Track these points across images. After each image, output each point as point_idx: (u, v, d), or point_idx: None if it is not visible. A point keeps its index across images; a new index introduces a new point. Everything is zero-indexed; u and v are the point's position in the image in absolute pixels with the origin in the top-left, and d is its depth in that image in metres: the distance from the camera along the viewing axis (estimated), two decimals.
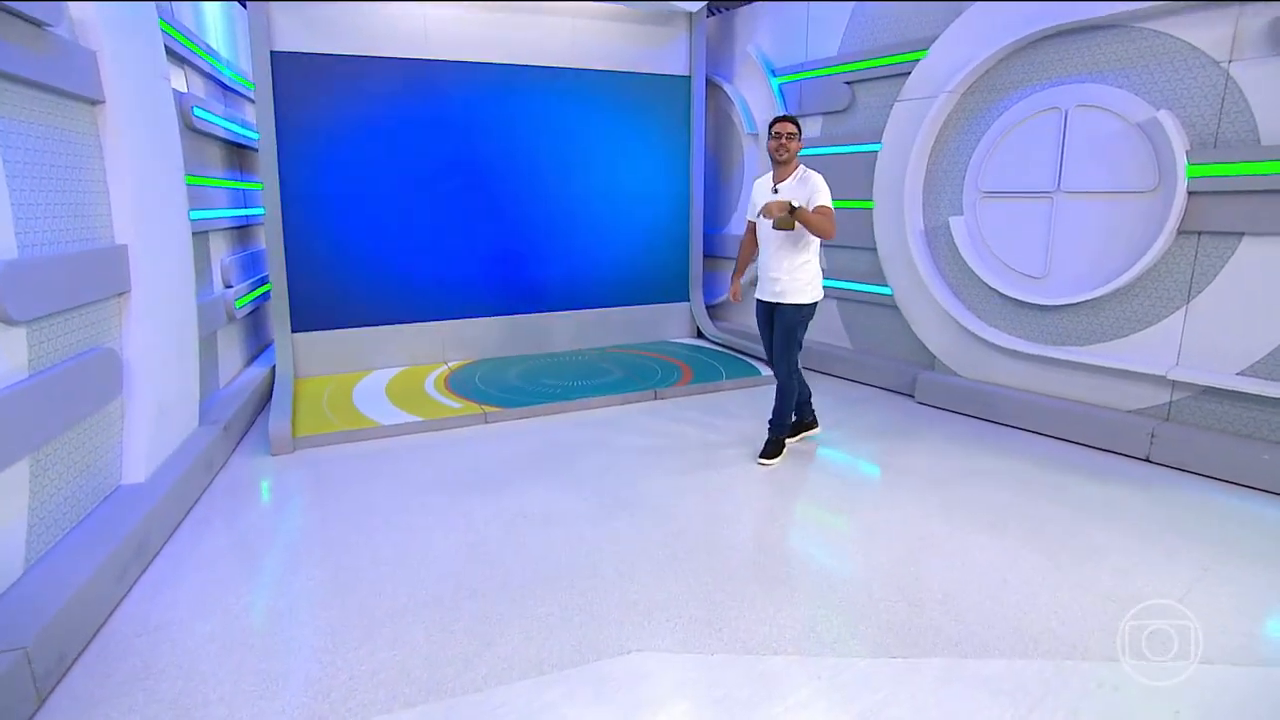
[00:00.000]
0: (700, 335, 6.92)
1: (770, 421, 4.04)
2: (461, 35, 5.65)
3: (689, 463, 3.98)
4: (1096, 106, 4.07)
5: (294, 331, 5.51)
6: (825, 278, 5.93)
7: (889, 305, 5.46)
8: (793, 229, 3.61)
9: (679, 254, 6.86)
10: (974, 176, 4.72)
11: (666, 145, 6.60)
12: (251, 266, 5.70)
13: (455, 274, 6.01)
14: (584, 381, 5.40)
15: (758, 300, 3.99)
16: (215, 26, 5.36)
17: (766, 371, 5.72)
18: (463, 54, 5.69)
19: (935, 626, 2.45)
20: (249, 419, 4.68)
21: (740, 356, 6.18)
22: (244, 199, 5.66)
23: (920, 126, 4.88)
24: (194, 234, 4.42)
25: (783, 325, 3.84)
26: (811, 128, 6.04)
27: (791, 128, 3.65)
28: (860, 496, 3.55)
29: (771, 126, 3.70)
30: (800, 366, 4.04)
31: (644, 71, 6.36)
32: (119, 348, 3.23)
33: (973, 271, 4.75)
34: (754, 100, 6.55)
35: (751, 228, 4.02)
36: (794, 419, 4.24)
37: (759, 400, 5.22)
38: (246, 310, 5.37)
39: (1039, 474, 3.81)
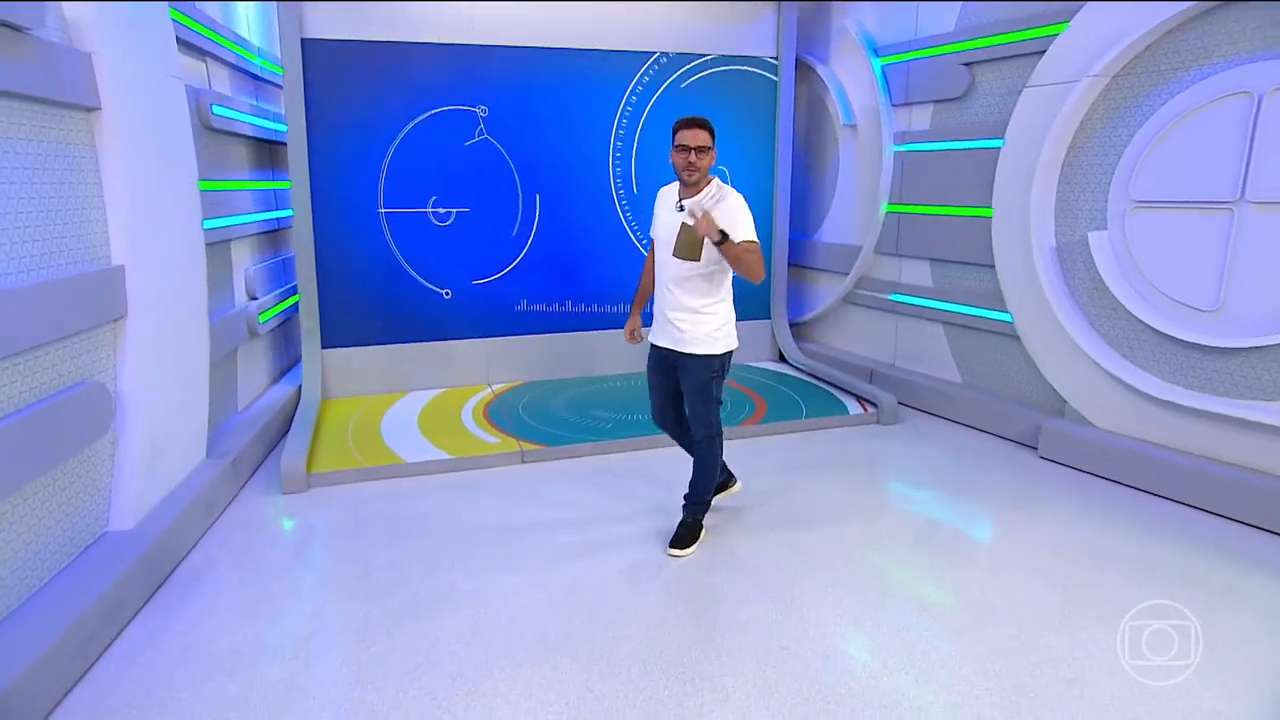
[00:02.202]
0: (783, 359, 6.58)
1: (685, 498, 3.55)
2: (512, 18, 5.55)
3: (755, 522, 3.70)
4: None
5: (324, 348, 5.55)
6: (929, 297, 5.57)
7: (1008, 335, 4.99)
8: (699, 259, 3.11)
9: None
10: (1124, 181, 4.23)
11: (748, 138, 6.30)
12: (282, 274, 5.79)
13: (502, 285, 5.92)
14: (640, 415, 5.18)
15: (651, 344, 3.45)
16: (247, 13, 5.45)
17: (856, 409, 5.35)
18: (513, 38, 5.58)
19: None
20: (267, 447, 4.71)
21: (827, 388, 5.82)
22: (275, 200, 5.75)
23: (1055, 118, 4.41)
24: (212, 244, 4.48)
25: (691, 384, 3.31)
26: (920, 118, 5.61)
27: (703, 137, 3.06)
28: (957, 585, 3.17)
29: (675, 133, 3.11)
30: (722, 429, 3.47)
31: (722, 54, 6.09)
32: (112, 380, 3.24)
33: (1117, 299, 4.25)
34: (852, 85, 6.16)
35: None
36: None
37: (846, 444, 4.88)
38: (274, 323, 5.44)
39: (1202, 566, 3.32)
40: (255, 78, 5.52)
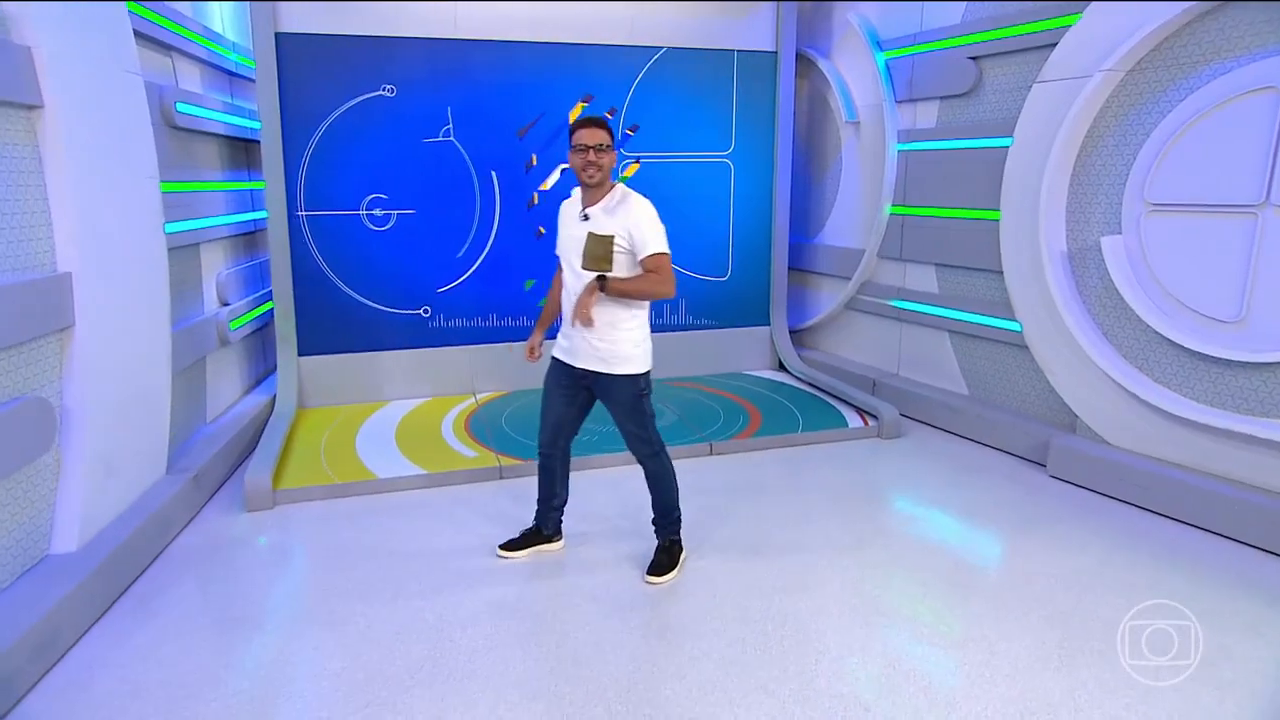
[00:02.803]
0: (782, 368, 6.43)
1: (654, 523, 3.37)
2: (498, 11, 5.43)
3: (737, 545, 3.56)
4: None
5: (302, 355, 5.45)
6: (934, 304, 5.41)
7: (1017, 345, 4.82)
8: (610, 271, 2.98)
9: (759, 268, 6.41)
10: (1139, 183, 4.06)
11: (745, 136, 6.16)
12: (259, 278, 5.69)
13: (489, 290, 5.80)
14: None
15: (554, 359, 3.27)
16: (221, 9, 5.36)
17: (856, 422, 5.19)
18: (500, 33, 5.46)
19: None
20: (235, 460, 4.60)
21: (826, 398, 5.66)
22: (253, 202, 5.66)
23: (1066, 115, 4.25)
24: (180, 247, 4.40)
25: (621, 405, 3.17)
26: (926, 115, 5.45)
27: (601, 136, 2.95)
28: (952, 617, 3.02)
29: (572, 134, 2.99)
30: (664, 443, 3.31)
31: (719, 48, 5.95)
32: (56, 394, 3.14)
33: (1131, 309, 4.09)
34: (855, 80, 6.01)
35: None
36: (532, 524, 3.56)
37: (844, 460, 4.73)
38: (248, 330, 5.34)
39: (1217, 599, 3.14)
40: (231, 74, 5.42)
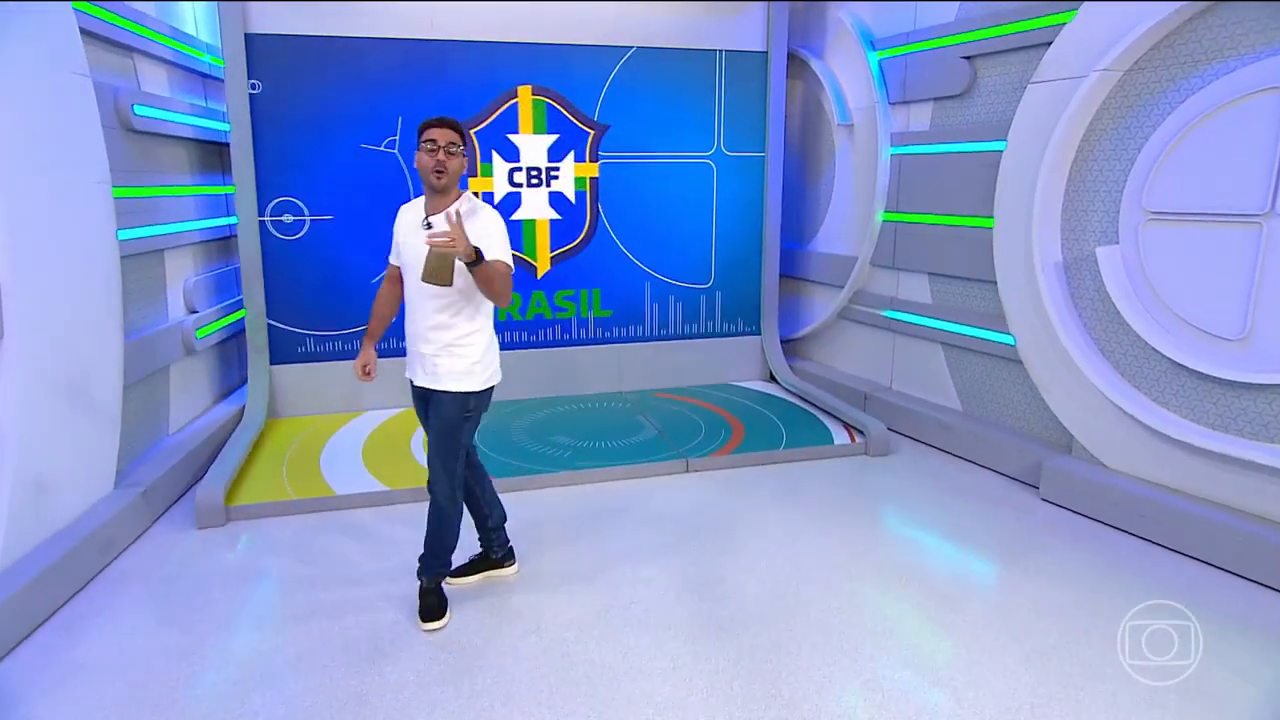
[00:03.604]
0: (773, 379, 6.22)
1: (421, 559, 3.08)
2: (478, 10, 5.27)
3: (700, 573, 3.37)
4: None
5: (275, 363, 5.32)
6: (927, 315, 5.18)
7: (1011, 359, 4.59)
8: (450, 284, 2.71)
9: (749, 276, 6.20)
10: (1137, 190, 3.83)
11: (735, 139, 5.96)
12: (235, 284, 5.57)
13: None
14: (604, 442, 4.87)
15: (411, 383, 3.08)
16: (194, 10, 5.25)
17: (843, 438, 4.97)
18: (480, 33, 5.31)
19: None
20: (193, 475, 4.43)
21: (815, 413, 5.45)
22: (227, 206, 5.55)
23: (1061, 118, 4.03)
24: (143, 254, 4.29)
25: (440, 421, 2.94)
26: (919, 117, 5.23)
27: (452, 136, 2.80)
28: (921, 657, 2.80)
29: (421, 133, 2.82)
30: (464, 482, 3.11)
31: (708, 48, 5.77)
32: None
33: (1128, 324, 3.85)
34: (848, 81, 5.79)
35: (396, 275, 3.11)
36: (480, 549, 3.38)
37: (828, 479, 4.53)
38: (219, 337, 5.23)
39: (1211, 641, 2.89)
40: (204, 76, 5.31)
